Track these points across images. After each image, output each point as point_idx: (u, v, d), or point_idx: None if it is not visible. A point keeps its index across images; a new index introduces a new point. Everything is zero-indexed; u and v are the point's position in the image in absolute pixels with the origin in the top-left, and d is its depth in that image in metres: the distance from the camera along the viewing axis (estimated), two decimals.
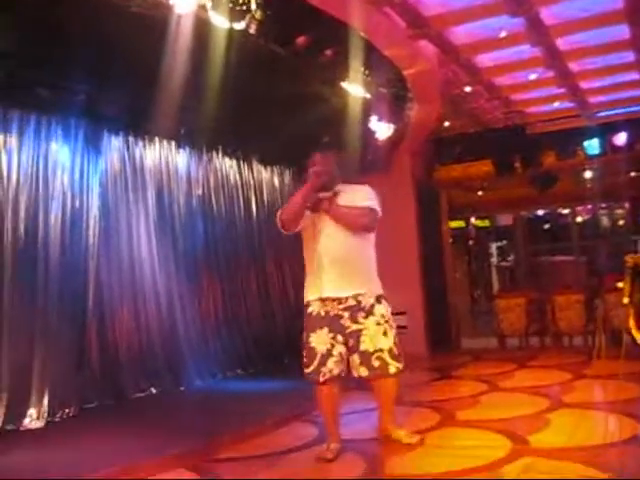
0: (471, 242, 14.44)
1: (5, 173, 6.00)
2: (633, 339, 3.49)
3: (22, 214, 6.08)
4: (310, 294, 4.36)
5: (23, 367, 5.93)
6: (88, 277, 6.66)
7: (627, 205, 13.24)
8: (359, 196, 4.43)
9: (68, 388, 6.20)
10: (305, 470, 4.15)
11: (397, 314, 8.97)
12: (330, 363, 4.25)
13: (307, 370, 4.30)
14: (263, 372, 8.17)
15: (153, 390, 7.12)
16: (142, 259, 7.35)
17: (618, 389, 5.99)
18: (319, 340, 4.26)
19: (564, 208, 14.23)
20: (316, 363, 4.25)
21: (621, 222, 14.03)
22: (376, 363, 4.28)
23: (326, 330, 4.26)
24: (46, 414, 5.90)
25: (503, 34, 6.38)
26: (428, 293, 9.63)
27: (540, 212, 14.95)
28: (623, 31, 6.51)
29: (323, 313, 4.28)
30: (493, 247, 15.40)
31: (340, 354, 4.28)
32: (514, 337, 9.66)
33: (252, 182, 9.15)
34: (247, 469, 4.36)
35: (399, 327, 8.91)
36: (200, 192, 8.28)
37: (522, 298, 9.73)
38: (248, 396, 6.98)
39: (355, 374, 4.34)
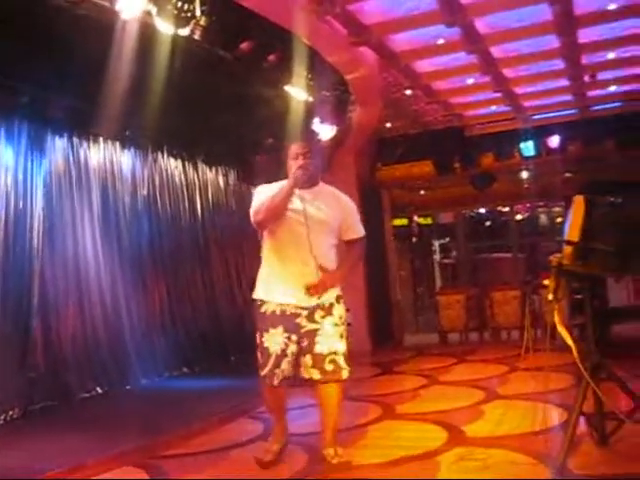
0: (414, 239, 14.70)
1: None
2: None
3: None
4: (267, 295, 4.06)
5: None
6: (33, 277, 6.64)
7: (563, 204, 13.70)
8: (346, 212, 4.18)
9: (11, 389, 6.18)
10: (250, 465, 4.21)
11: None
12: (284, 364, 3.98)
13: (262, 372, 4.01)
14: (209, 370, 8.27)
15: (99, 390, 7.13)
16: (87, 258, 7.36)
17: (548, 381, 6.27)
18: (273, 340, 3.97)
19: (503, 207, 14.62)
20: (270, 364, 3.97)
21: (559, 220, 14.48)
22: (329, 367, 3.99)
23: (281, 329, 3.97)
24: None
25: (440, 42, 6.60)
26: (372, 290, 9.83)
27: (481, 210, 15.31)
28: (553, 40, 6.81)
29: (279, 312, 4.00)
30: (436, 244, 15.67)
31: (293, 354, 3.99)
32: (455, 332, 9.96)
33: (197, 182, 9.22)
34: (193, 465, 4.45)
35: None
36: (145, 192, 8.31)
37: (462, 295, 10.03)
38: (194, 394, 7.05)
39: (305, 375, 4.05)
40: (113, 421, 5.80)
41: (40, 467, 4.38)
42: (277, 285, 4.05)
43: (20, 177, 6.62)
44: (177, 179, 8.87)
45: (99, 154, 7.69)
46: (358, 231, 4.22)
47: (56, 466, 4.36)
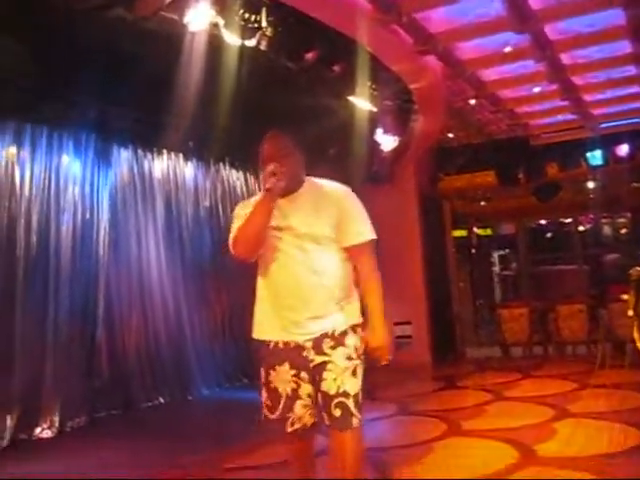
0: (473, 251, 14.50)
1: (18, 186, 6.12)
2: (637, 349, 3.57)
3: (34, 226, 6.20)
4: (267, 334, 3.20)
5: (35, 377, 6.03)
6: (98, 288, 6.76)
7: (629, 215, 13.33)
8: (343, 210, 3.11)
9: (78, 398, 6.31)
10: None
11: (402, 323, 9.20)
12: (297, 408, 3.11)
13: (272, 415, 3.14)
14: None
15: (161, 400, 7.21)
16: (150, 269, 7.45)
17: (623, 398, 6.06)
18: (279, 379, 3.14)
19: (566, 217, 14.31)
20: (281, 408, 3.12)
21: (623, 231, 14.10)
22: (337, 412, 3.04)
23: (287, 366, 3.12)
24: (57, 424, 6.00)
25: (508, 49, 6.47)
26: (432, 302, 9.71)
27: (542, 221, 15.02)
28: (625, 46, 6.61)
29: (282, 345, 3.14)
30: (495, 256, 15.44)
31: (309, 396, 3.11)
32: (518, 346, 9.72)
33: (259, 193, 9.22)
34: (257, 478, 4.42)
35: (404, 337, 9.16)
36: (207, 203, 8.38)
37: (525, 308, 9.78)
38: (255, 405, 7.02)
39: (298, 424, 3.13)
40: (175, 432, 5.84)
41: (102, 475, 4.41)
42: (274, 320, 3.19)
43: (87, 189, 6.75)
44: (239, 190, 8.92)
45: (163, 166, 7.79)
46: (362, 233, 3.15)
47: (120, 475, 4.39)
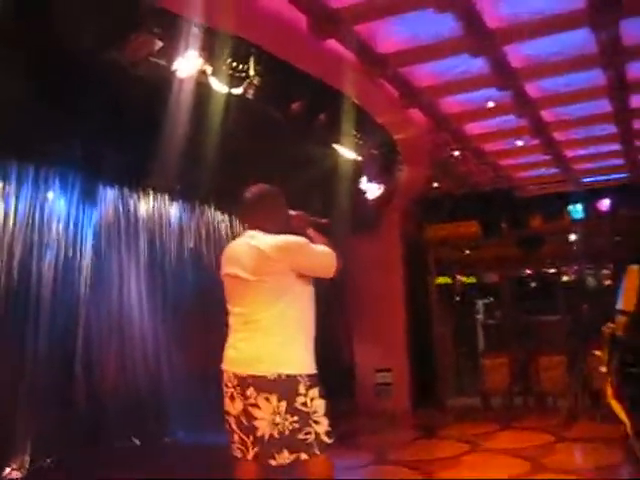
0: (457, 298, 14.50)
1: (1, 220, 6.11)
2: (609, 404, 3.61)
3: (16, 261, 6.17)
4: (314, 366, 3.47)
5: (7, 414, 5.95)
6: (78, 326, 6.73)
7: (612, 266, 13.43)
8: None
9: (52, 436, 6.21)
10: None
11: (382, 370, 9.18)
12: None
13: (331, 440, 3.43)
14: None
15: (136, 441, 7.11)
16: (132, 309, 7.42)
17: (597, 454, 6.06)
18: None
19: (550, 268, 14.38)
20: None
21: (607, 282, 14.18)
22: None
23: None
24: (28, 464, 5.90)
25: (491, 105, 6.62)
26: (414, 350, 9.70)
27: (527, 271, 15.08)
28: (604, 105, 6.78)
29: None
30: (479, 304, 15.43)
31: None
32: (498, 396, 9.70)
33: None
34: None
35: (384, 384, 9.14)
36: (192, 244, 8.40)
37: (507, 358, 9.79)
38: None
39: None
40: (150, 475, 5.75)
41: None
42: (310, 352, 3.49)
43: (71, 227, 6.75)
44: (223, 232, 8.95)
45: (148, 205, 7.82)
46: None
47: None
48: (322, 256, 3.48)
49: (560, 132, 7.65)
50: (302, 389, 3.34)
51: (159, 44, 4.45)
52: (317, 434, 3.34)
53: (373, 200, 8.12)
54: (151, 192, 7.82)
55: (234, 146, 6.13)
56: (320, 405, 3.37)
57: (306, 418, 3.34)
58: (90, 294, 6.87)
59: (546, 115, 7.02)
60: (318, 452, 3.33)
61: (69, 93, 5.32)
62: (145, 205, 7.78)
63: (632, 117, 7.14)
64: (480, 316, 15.15)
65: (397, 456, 6.42)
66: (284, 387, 3.32)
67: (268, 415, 3.30)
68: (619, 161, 8.84)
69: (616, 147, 8.21)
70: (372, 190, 7.88)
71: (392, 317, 9.36)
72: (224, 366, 3.54)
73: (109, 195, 7.30)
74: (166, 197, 8.04)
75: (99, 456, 6.53)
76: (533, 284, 15.39)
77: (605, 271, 14.00)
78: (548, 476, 5.37)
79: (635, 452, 3.40)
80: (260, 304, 3.42)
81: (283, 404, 3.31)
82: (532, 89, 6.30)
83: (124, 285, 7.36)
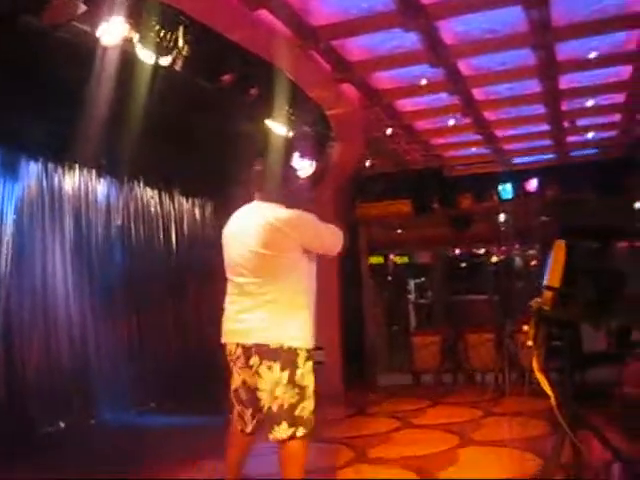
0: (389, 278, 14.63)
1: None
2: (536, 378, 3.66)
3: None
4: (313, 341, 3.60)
5: None
6: None
7: (538, 247, 13.76)
8: None
9: None
10: None
11: (314, 349, 9.15)
12: None
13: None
14: (178, 406, 8.04)
15: (62, 424, 6.90)
16: (56, 288, 7.16)
17: (523, 426, 6.20)
18: None
19: (480, 249, 14.65)
20: None
21: (533, 262, 14.53)
22: None
23: None
24: None
25: (423, 82, 6.62)
26: (346, 329, 9.70)
27: (457, 251, 15.32)
28: (534, 85, 6.87)
29: None
30: (412, 283, 15.61)
31: None
32: (429, 374, 9.84)
33: (173, 213, 9.09)
34: None
35: (316, 363, 9.11)
36: (119, 222, 8.17)
37: (437, 336, 9.93)
38: (160, 431, 6.86)
39: None
40: (78, 458, 5.59)
41: None
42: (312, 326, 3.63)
43: None
44: (153, 209, 8.74)
45: (74, 181, 7.54)
46: None
47: None
48: (330, 234, 3.62)
49: (490, 111, 7.74)
50: (301, 362, 3.45)
51: (82, 8, 4.25)
52: (310, 412, 3.47)
53: (305, 178, 8.04)
54: (77, 167, 7.55)
55: (162, 119, 5.97)
56: (312, 380, 3.51)
57: (303, 392, 3.44)
58: (11, 271, 6.59)
59: (477, 94, 7.08)
60: (305, 431, 3.45)
61: None
62: (70, 180, 7.51)
63: (561, 98, 7.27)
64: (412, 295, 15.35)
65: (329, 433, 6.39)
66: (286, 358, 3.39)
67: (269, 386, 3.39)
68: (547, 142, 9.02)
69: (545, 128, 8.36)
70: (304, 167, 7.80)
71: (324, 296, 9.26)
72: (227, 339, 3.57)
73: (32, 169, 7.00)
74: (93, 173, 7.77)
75: (25, 441, 6.32)
76: (463, 264, 15.66)
77: (532, 251, 14.36)
78: (476, 449, 5.45)
79: (560, 422, 3.45)
80: (269, 277, 3.47)
81: (285, 375, 3.39)
82: (464, 67, 6.33)
83: (48, 262, 7.08)
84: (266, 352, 3.40)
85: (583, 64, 6.36)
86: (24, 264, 6.80)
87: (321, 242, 3.60)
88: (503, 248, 14.14)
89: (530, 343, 3.74)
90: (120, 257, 8.09)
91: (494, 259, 14.57)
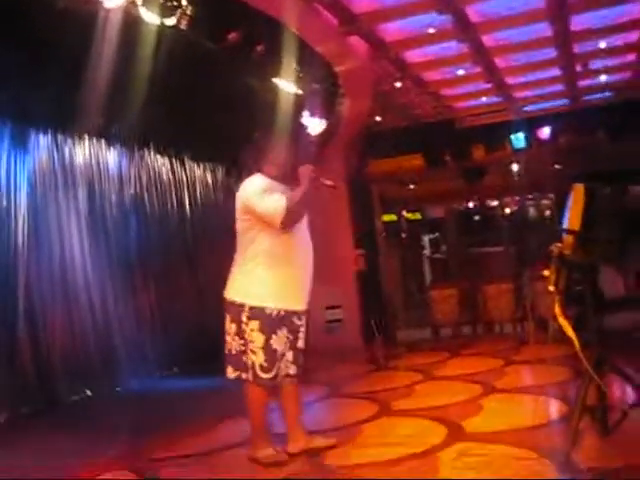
0: (404, 235, 14.62)
1: None
2: (558, 325, 3.65)
3: None
4: (274, 301, 3.97)
5: None
6: (18, 278, 6.49)
7: (552, 196, 13.67)
8: None
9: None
10: (244, 467, 4.12)
11: (333, 307, 9.20)
12: (282, 364, 4.07)
13: (268, 375, 3.96)
14: (200, 370, 8.10)
15: (88, 392, 7.01)
16: (74, 259, 7.20)
17: (546, 373, 6.22)
18: (280, 342, 4.00)
19: (493, 200, 14.58)
20: (277, 366, 3.99)
21: (547, 212, 14.45)
22: (300, 360, 4.19)
23: (285, 330, 4.04)
24: None
25: (431, 30, 6.51)
26: (362, 286, 9.73)
27: (470, 204, 15.26)
28: (545, 29, 6.73)
29: (283, 313, 4.03)
30: (425, 239, 15.61)
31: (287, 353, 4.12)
32: (447, 327, 9.87)
33: (185, 179, 9.08)
34: (186, 468, 4.35)
35: (335, 320, 9.16)
36: (132, 190, 8.17)
37: (454, 289, 9.94)
38: (185, 394, 6.94)
39: (283, 372, 4.10)
40: (103, 424, 5.67)
41: (27, 472, 4.28)
42: (284, 289, 4.01)
43: (3, 176, 6.46)
44: (165, 176, 8.73)
45: (84, 152, 7.53)
46: None
47: (44, 471, 4.25)
48: (267, 210, 3.86)
49: (501, 58, 7.60)
50: (244, 318, 3.98)
51: None
52: (253, 363, 3.94)
53: (316, 135, 7.98)
54: (86, 137, 7.52)
55: (169, 83, 5.90)
56: (257, 338, 3.93)
57: (246, 345, 3.96)
58: (29, 243, 6.62)
59: (487, 40, 6.95)
60: (251, 379, 3.95)
61: None
62: (81, 151, 7.49)
63: (572, 40, 7.12)
64: (426, 251, 15.36)
65: (352, 389, 6.46)
66: (234, 311, 4.02)
67: (227, 334, 4.07)
68: (559, 87, 8.87)
69: (556, 73, 8.22)
70: (314, 125, 7.74)
71: (340, 254, 9.31)
72: None
73: (42, 141, 7.00)
74: (102, 142, 7.75)
75: (51, 411, 6.41)
76: (477, 217, 15.61)
77: (546, 201, 14.26)
78: (499, 397, 5.47)
79: (583, 367, 3.45)
80: (238, 239, 4.07)
81: (233, 326, 4.03)
82: (472, 13, 6.20)
83: (64, 233, 7.11)
84: (225, 305, 4.09)
85: (595, 2, 6.20)
86: (40, 237, 6.84)
87: (259, 214, 3.91)
88: (517, 198, 14.08)
89: (552, 288, 3.72)
90: (135, 225, 8.12)
91: (508, 210, 14.52)
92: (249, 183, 4.05)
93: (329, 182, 4.05)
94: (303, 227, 4.13)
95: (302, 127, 7.69)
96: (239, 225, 4.04)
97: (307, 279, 4.15)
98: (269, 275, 3.99)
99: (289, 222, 3.88)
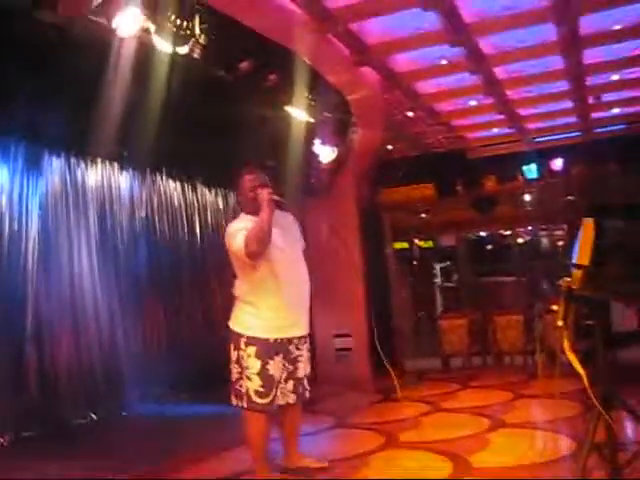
0: (415, 263, 14.57)
1: None
2: (567, 360, 3.61)
3: None
4: (269, 332, 4.15)
5: None
6: (26, 300, 6.48)
7: (565, 227, 13.61)
8: (294, 229, 4.53)
9: (4, 415, 6.03)
10: None
11: (342, 336, 9.13)
12: (280, 391, 4.20)
13: (264, 400, 4.10)
14: (208, 396, 8.06)
15: (94, 416, 6.97)
16: (83, 282, 7.20)
17: (555, 408, 6.14)
18: (277, 367, 4.15)
19: (505, 230, 14.54)
20: (273, 393, 4.12)
21: (560, 243, 14.38)
22: (300, 389, 4.33)
23: (281, 357, 4.18)
24: None
25: (443, 62, 6.53)
26: (373, 315, 9.65)
27: (482, 233, 15.22)
28: (557, 61, 6.75)
29: (279, 340, 4.19)
30: (437, 268, 15.55)
31: (284, 381, 4.25)
32: (457, 357, 9.79)
33: (196, 204, 9.10)
34: None
35: (344, 349, 9.09)
36: (143, 214, 8.19)
37: (464, 319, 9.87)
38: (191, 421, 6.89)
39: (282, 402, 4.24)
40: (108, 449, 5.64)
41: None
42: (277, 320, 4.17)
43: (15, 198, 6.49)
44: (176, 201, 8.75)
45: (97, 175, 7.57)
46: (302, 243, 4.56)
47: None
48: (235, 247, 4.09)
49: (513, 90, 7.62)
50: (242, 345, 4.16)
51: (97, 0, 4.22)
52: (247, 389, 4.09)
53: (327, 164, 7.99)
54: (99, 161, 7.57)
55: (181, 109, 5.93)
56: (253, 364, 4.09)
57: (242, 371, 4.13)
58: (39, 266, 6.63)
59: (499, 72, 6.97)
60: (245, 405, 4.12)
61: (4, 58, 5.04)
62: (93, 174, 7.53)
63: (585, 73, 7.13)
64: (438, 280, 15.29)
65: (359, 419, 6.42)
66: (234, 340, 4.22)
67: (230, 362, 4.25)
68: (572, 119, 8.86)
69: (568, 104, 8.22)
70: (325, 153, 7.75)
71: (351, 282, 9.27)
72: None
73: (55, 164, 7.03)
74: (115, 166, 7.79)
75: (55, 434, 6.37)
76: (489, 246, 15.56)
77: (558, 232, 14.20)
78: (508, 432, 5.40)
79: (592, 402, 3.40)
80: None
81: (235, 354, 4.21)
82: (485, 45, 6.23)
83: (74, 256, 7.11)
84: (229, 333, 4.30)
85: (607, 36, 6.21)
86: (51, 258, 6.85)
87: (231, 248, 4.17)
88: (529, 229, 14.02)
89: (560, 323, 3.68)
90: (145, 249, 8.12)
91: (520, 240, 14.46)
92: (228, 227, 4.33)
93: (276, 197, 4.18)
94: (290, 256, 4.25)
95: (313, 155, 7.71)
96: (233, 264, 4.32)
97: (301, 305, 4.29)
98: (260, 308, 4.17)
99: (253, 251, 4.02)
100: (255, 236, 4.00)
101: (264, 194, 4.10)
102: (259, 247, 4.01)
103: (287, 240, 4.27)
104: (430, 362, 10.02)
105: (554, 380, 6.72)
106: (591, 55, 6.66)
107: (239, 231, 4.11)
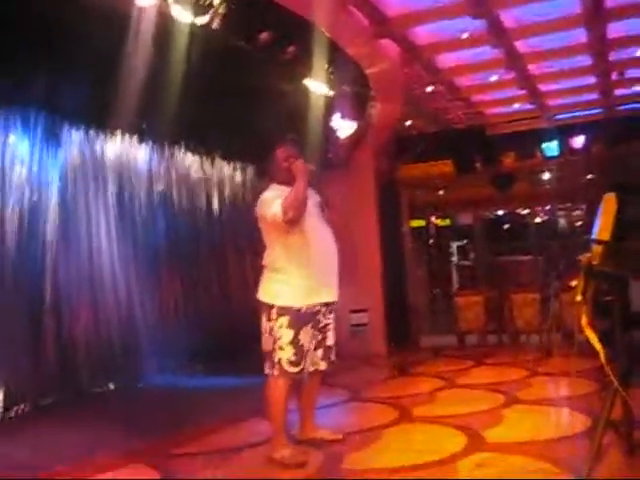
0: (431, 241, 14.54)
1: None
2: (584, 338, 3.58)
3: None
4: (299, 300, 4.23)
5: None
6: (45, 271, 6.55)
7: (584, 207, 13.49)
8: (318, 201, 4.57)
9: (23, 384, 6.11)
10: (262, 466, 4.15)
11: (358, 311, 9.16)
12: (310, 359, 4.35)
13: (295, 369, 4.20)
14: (223, 368, 8.14)
15: (111, 386, 7.07)
16: (102, 253, 7.25)
17: (570, 386, 6.12)
18: (307, 337, 4.26)
19: (523, 209, 14.45)
20: (304, 361, 4.25)
21: (579, 223, 14.28)
22: (332, 356, 4.50)
23: (310, 325, 4.28)
24: (0, 410, 5.82)
25: (464, 35, 6.45)
26: (389, 291, 9.67)
27: (500, 212, 15.14)
28: (580, 35, 6.64)
29: (309, 310, 4.28)
30: (454, 246, 15.52)
31: (315, 349, 4.41)
32: (472, 335, 9.78)
33: (214, 177, 9.11)
34: (205, 465, 4.35)
35: (360, 324, 9.12)
36: (161, 187, 8.21)
37: (481, 296, 9.85)
38: (207, 392, 6.96)
39: (311, 368, 4.40)
40: (124, 418, 5.70)
41: (48, 463, 4.30)
42: (306, 288, 4.24)
43: (35, 169, 6.52)
44: (194, 174, 8.76)
45: (115, 147, 7.58)
46: None
47: (65, 462, 4.30)
48: (272, 214, 4.16)
49: (534, 64, 7.51)
50: (274, 315, 4.21)
51: None
52: (280, 358, 4.17)
53: (345, 138, 7.96)
54: (118, 133, 7.57)
55: (200, 81, 5.91)
56: (286, 333, 4.17)
57: (275, 342, 4.19)
58: (58, 237, 6.68)
59: (521, 46, 6.87)
60: (277, 373, 4.19)
61: (24, 29, 5.05)
62: (112, 146, 7.54)
63: (609, 48, 7.01)
64: (454, 258, 15.27)
65: (374, 393, 6.43)
66: (266, 311, 4.26)
67: (263, 332, 4.29)
68: (594, 96, 8.74)
69: (591, 80, 8.10)
70: (344, 127, 7.71)
71: (367, 258, 9.27)
72: None
73: (74, 136, 7.04)
74: (134, 138, 7.79)
75: (73, 402, 6.47)
76: (506, 225, 15.49)
77: (577, 212, 14.09)
78: (522, 408, 5.40)
79: (609, 379, 3.38)
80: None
81: (268, 325, 4.25)
82: (506, 18, 6.14)
83: (92, 228, 7.16)
84: (260, 305, 4.32)
85: (633, 9, 6.09)
86: (70, 230, 6.89)
87: (268, 215, 4.21)
88: (547, 208, 13.93)
89: (579, 298, 3.65)
90: (163, 221, 8.15)
91: (538, 220, 14.37)
92: (262, 197, 4.38)
93: (311, 167, 4.35)
94: (318, 226, 4.35)
95: (332, 129, 7.67)
96: (262, 233, 4.39)
97: (331, 272, 4.38)
98: (290, 277, 4.24)
99: (291, 217, 4.12)
100: (292, 203, 4.12)
101: (299, 164, 4.24)
102: (296, 214, 4.13)
103: (316, 211, 4.40)
104: (446, 339, 10.01)
105: (570, 358, 6.71)
106: (615, 29, 6.55)
107: (274, 199, 4.21)
